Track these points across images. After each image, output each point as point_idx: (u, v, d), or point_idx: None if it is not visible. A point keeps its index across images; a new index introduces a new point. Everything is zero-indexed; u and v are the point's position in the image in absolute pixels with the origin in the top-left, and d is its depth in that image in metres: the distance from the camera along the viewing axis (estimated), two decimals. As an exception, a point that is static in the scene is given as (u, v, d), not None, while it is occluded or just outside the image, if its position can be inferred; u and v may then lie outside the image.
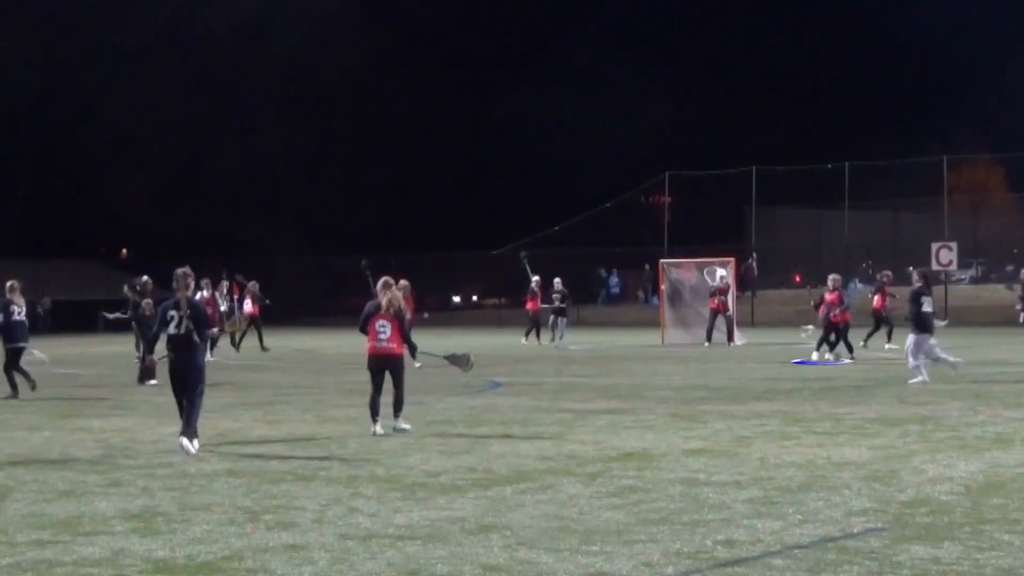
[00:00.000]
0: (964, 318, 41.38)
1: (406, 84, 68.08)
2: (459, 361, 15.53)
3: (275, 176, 67.43)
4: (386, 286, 14.11)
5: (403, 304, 14.24)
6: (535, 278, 35.24)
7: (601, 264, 56.27)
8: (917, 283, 19.82)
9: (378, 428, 13.72)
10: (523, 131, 64.18)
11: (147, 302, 22.63)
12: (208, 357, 27.32)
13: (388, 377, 13.98)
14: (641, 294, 56.39)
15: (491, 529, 8.46)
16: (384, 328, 13.89)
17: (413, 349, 14.43)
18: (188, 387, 12.77)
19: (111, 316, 28.69)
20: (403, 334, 14.03)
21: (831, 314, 25.36)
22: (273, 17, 64.33)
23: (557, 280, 34.96)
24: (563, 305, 35.14)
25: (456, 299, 65.89)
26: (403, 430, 13.83)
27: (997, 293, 47.76)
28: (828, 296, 25.20)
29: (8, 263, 55.81)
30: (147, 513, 9.22)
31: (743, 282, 51.03)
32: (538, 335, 34.21)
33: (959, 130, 59.51)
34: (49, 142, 63.25)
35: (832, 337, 25.47)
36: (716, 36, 76.29)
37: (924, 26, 69.72)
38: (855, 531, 8.27)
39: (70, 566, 7.61)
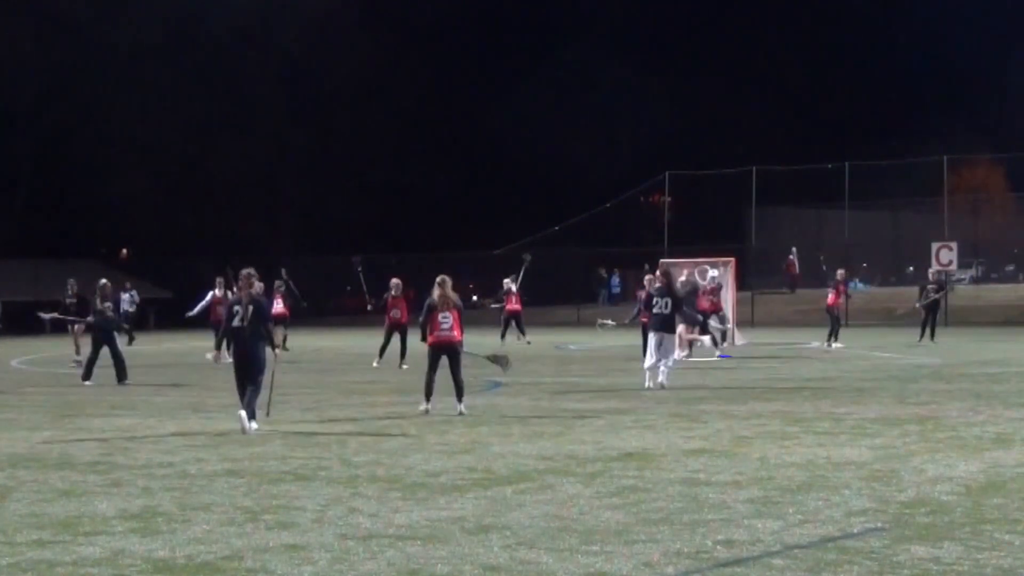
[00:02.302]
0: (964, 318, 41.41)
1: (406, 84, 68.05)
2: (500, 361, 17.58)
3: (275, 176, 67.39)
4: (440, 284, 15.84)
5: (458, 297, 16.07)
6: (508, 280, 35.27)
7: (601, 264, 56.24)
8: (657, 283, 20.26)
9: (428, 407, 15.68)
10: (523, 131, 64.14)
11: (107, 304, 22.93)
12: (212, 359, 27.35)
13: (445, 363, 15.79)
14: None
15: (491, 529, 8.46)
16: (446, 319, 15.72)
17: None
18: (251, 375, 14.21)
19: (46, 316, 27.33)
20: (462, 325, 15.88)
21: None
22: (273, 17, 64.30)
23: (506, 280, 34.97)
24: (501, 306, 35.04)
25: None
26: (464, 414, 15.48)
27: (998, 293, 47.81)
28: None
29: (8, 263, 55.90)
30: (147, 513, 9.22)
31: (785, 278, 51.03)
32: (502, 335, 34.15)
33: (959, 130, 59.48)
34: (49, 142, 63.20)
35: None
36: (716, 36, 76.21)
37: (924, 26, 69.75)
38: (855, 531, 8.27)
39: (70, 566, 7.61)
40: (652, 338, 19.51)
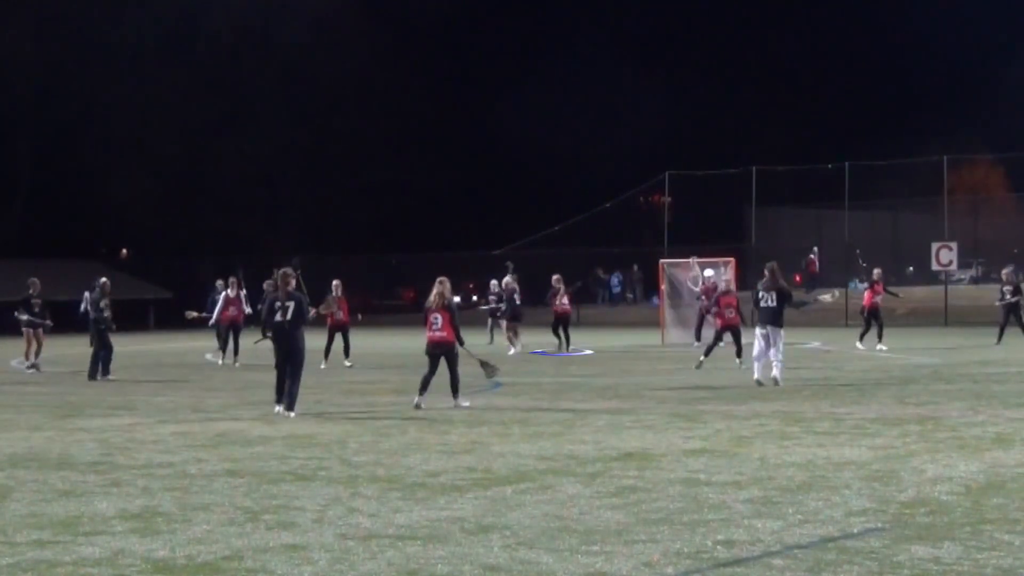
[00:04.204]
0: (964, 318, 41.40)
1: (406, 84, 68.03)
2: (488, 369, 17.91)
3: (275, 176, 67.38)
4: (439, 283, 16.50)
5: (453, 298, 16.78)
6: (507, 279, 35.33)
7: (601, 264, 56.22)
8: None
9: (421, 402, 16.27)
10: (523, 131, 64.14)
11: (106, 302, 23.65)
12: (220, 362, 27.26)
13: (443, 363, 16.51)
14: (631, 295, 56.04)
15: (491, 529, 8.46)
16: (437, 320, 16.36)
17: (462, 341, 16.77)
18: (291, 363, 15.74)
19: (24, 317, 26.31)
20: (454, 325, 16.40)
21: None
22: (273, 17, 64.31)
23: (494, 282, 34.88)
24: (499, 306, 35.02)
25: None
26: (463, 407, 16.15)
27: (997, 293, 47.71)
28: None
29: (8, 263, 55.85)
30: (147, 513, 9.22)
31: (806, 278, 50.96)
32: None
33: (959, 130, 59.46)
34: (49, 142, 63.18)
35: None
36: (716, 36, 76.27)
37: (924, 26, 69.72)
38: (855, 531, 8.27)
39: (70, 566, 7.62)
40: (759, 332, 19.60)
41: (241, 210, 64.83)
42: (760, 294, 19.67)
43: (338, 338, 26.15)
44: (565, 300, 30.98)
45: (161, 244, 64.31)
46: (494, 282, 34.80)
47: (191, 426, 14.92)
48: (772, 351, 19.24)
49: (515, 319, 30.74)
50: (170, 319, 46.72)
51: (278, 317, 15.88)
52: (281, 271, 16.17)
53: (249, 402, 18.02)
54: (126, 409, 17.27)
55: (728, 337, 23.51)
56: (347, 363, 25.63)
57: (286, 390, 15.75)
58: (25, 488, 10.45)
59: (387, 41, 65.85)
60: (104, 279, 24.85)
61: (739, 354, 23.02)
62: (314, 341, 28.70)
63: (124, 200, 62.14)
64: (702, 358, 23.31)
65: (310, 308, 16.63)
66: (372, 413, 16.22)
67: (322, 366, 24.95)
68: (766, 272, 20.01)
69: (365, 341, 34.81)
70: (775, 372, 19.11)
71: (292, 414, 15.54)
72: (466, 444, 12.81)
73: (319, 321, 26.11)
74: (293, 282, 16.08)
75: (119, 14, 60.37)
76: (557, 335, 30.64)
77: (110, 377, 23.09)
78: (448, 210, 70.11)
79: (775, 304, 19.39)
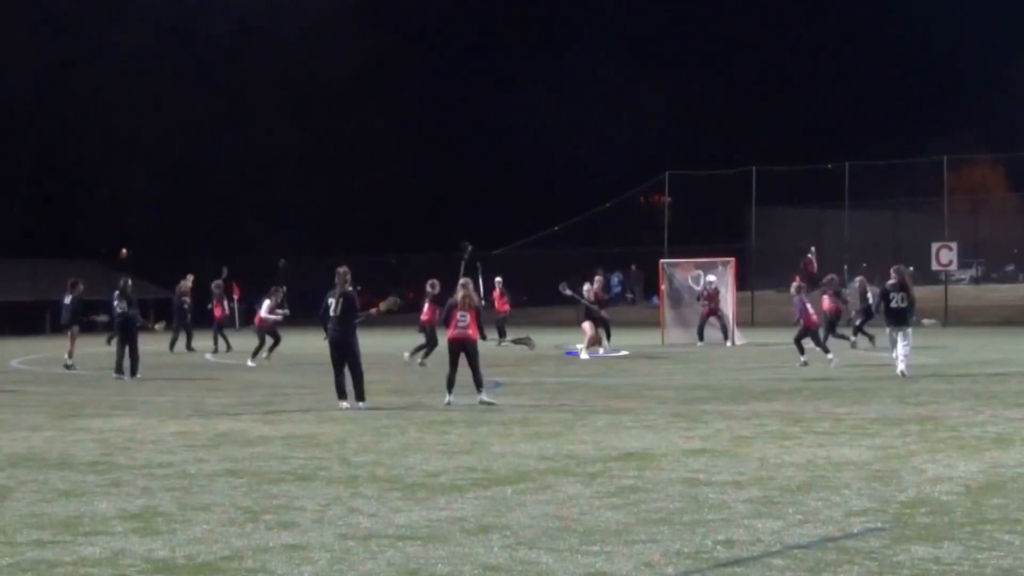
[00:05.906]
0: (964, 318, 41.43)
1: (406, 84, 68.01)
2: (526, 342, 19.80)
3: (275, 176, 67.36)
4: (463, 286, 17.30)
5: (478, 298, 17.56)
6: (498, 279, 35.06)
7: (600, 264, 56.11)
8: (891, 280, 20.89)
9: (451, 399, 16.90)
10: (523, 131, 64.10)
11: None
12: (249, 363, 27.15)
13: (464, 360, 16.96)
14: (630, 296, 55.91)
15: (491, 529, 8.46)
16: (464, 317, 16.97)
17: (484, 336, 17.86)
18: (349, 362, 16.76)
19: (98, 318, 27.95)
20: (479, 323, 17.16)
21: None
22: (273, 17, 64.27)
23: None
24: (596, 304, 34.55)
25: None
26: (488, 403, 16.74)
27: (997, 293, 47.78)
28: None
29: (8, 263, 55.88)
30: (147, 513, 9.22)
31: (804, 278, 50.87)
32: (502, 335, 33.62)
33: (959, 130, 59.40)
34: (49, 142, 63.17)
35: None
36: (716, 37, 76.24)
37: (924, 26, 69.73)
38: (855, 531, 8.28)
39: (70, 566, 7.62)
40: (890, 331, 20.63)
41: (241, 210, 64.82)
42: (891, 295, 20.52)
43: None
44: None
45: (161, 244, 64.28)
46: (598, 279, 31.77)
47: (191, 426, 14.92)
48: (901, 345, 20.20)
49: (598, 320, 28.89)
50: (170, 319, 46.63)
51: (332, 312, 16.81)
52: (340, 270, 17.07)
53: (249, 402, 18.03)
54: (126, 409, 17.27)
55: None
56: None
57: (353, 384, 16.72)
58: (25, 488, 10.45)
59: (387, 40, 65.80)
60: (127, 278, 25.10)
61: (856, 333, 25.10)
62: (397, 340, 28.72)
63: (124, 200, 62.07)
64: (858, 341, 24.66)
65: (377, 302, 18.29)
66: (372, 413, 16.23)
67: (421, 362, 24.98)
68: (893, 274, 20.76)
69: (366, 341, 34.72)
70: (902, 366, 20.04)
71: (362, 404, 16.54)
72: (466, 444, 12.82)
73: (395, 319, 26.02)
74: (349, 277, 16.98)
75: (119, 13, 60.30)
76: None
77: (125, 378, 23.10)
78: (448, 210, 70.09)
79: (905, 304, 20.39)
